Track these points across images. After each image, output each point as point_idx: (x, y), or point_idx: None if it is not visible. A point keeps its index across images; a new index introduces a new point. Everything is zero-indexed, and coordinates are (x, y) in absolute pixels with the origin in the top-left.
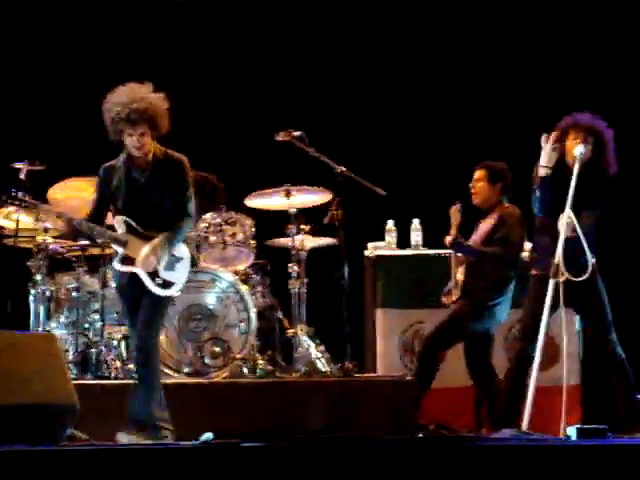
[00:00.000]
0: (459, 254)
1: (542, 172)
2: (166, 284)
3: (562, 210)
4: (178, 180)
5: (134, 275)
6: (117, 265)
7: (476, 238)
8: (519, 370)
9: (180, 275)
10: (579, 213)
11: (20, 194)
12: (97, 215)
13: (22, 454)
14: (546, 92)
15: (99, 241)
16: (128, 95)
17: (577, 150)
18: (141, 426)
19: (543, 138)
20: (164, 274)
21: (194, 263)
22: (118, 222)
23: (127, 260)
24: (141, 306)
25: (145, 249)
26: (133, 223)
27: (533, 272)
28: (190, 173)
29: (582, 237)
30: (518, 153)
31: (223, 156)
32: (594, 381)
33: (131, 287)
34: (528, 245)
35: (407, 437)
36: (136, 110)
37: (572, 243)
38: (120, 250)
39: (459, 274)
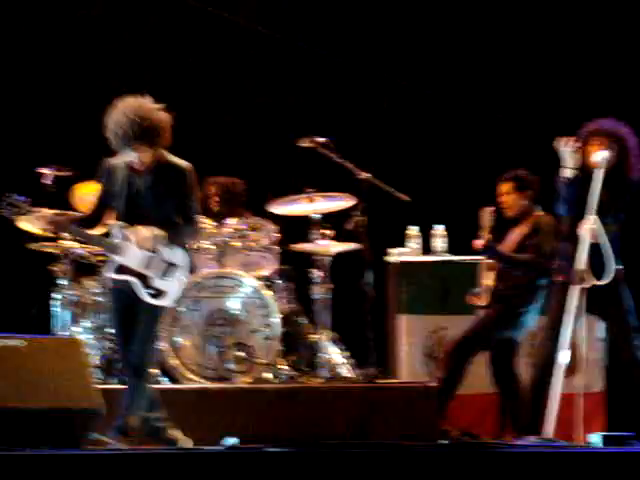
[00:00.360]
0: (489, 260)
1: (569, 173)
2: (158, 293)
3: (583, 216)
4: (178, 187)
5: (127, 284)
6: (110, 273)
7: (508, 245)
8: (542, 377)
9: (174, 285)
10: (603, 220)
11: (15, 198)
12: (97, 214)
13: (47, 458)
14: (568, 99)
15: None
16: (136, 111)
17: (599, 155)
18: (124, 432)
19: (561, 142)
20: (157, 282)
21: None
22: (114, 227)
23: (122, 268)
24: (137, 321)
25: (145, 230)
26: (129, 229)
27: (556, 279)
28: (194, 182)
29: (606, 243)
30: (541, 158)
31: (247, 163)
32: (618, 388)
33: (124, 296)
34: None
35: (431, 443)
36: (145, 127)
37: (596, 249)
38: (115, 257)
39: (489, 279)
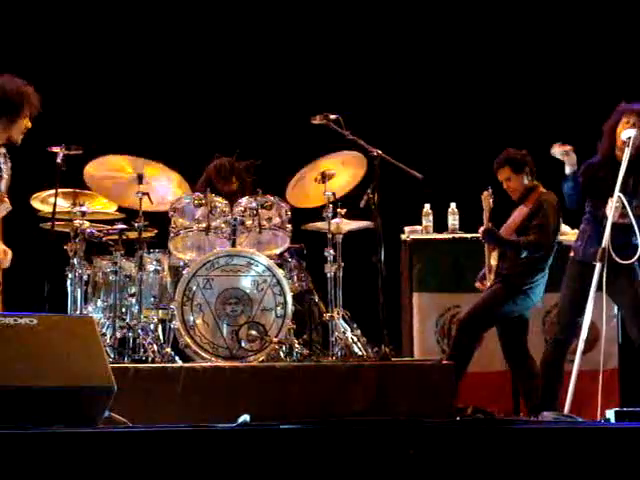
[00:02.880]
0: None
1: (567, 170)
2: None
3: (606, 198)
4: None
5: None
6: None
7: (511, 224)
8: (555, 353)
9: None
10: (630, 200)
11: None
12: None
13: (60, 436)
14: (578, 78)
15: None
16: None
17: (625, 134)
18: None
19: (553, 148)
20: None
21: None
22: None
23: None
24: None
25: None
26: None
27: (571, 255)
28: None
29: (634, 222)
30: (551, 134)
31: (258, 141)
32: (633, 365)
33: None
34: (565, 228)
35: (445, 420)
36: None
37: (621, 228)
38: None
39: (493, 259)
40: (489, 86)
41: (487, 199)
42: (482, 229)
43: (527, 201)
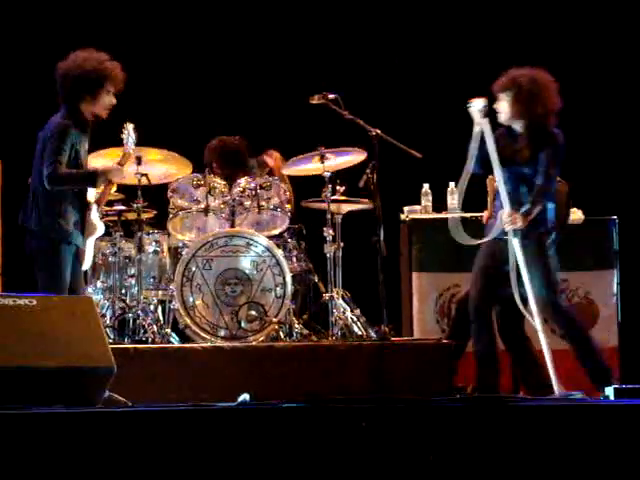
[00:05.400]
0: None
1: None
2: None
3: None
4: None
5: None
6: None
7: None
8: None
9: None
10: (518, 170)
11: None
12: None
13: (60, 416)
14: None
15: None
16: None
17: (473, 105)
18: None
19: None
20: None
21: None
22: None
23: None
24: None
25: None
26: None
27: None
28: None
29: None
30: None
31: (256, 121)
32: (632, 342)
33: None
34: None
35: (445, 398)
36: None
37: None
38: None
39: None
40: (489, 63)
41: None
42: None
43: None
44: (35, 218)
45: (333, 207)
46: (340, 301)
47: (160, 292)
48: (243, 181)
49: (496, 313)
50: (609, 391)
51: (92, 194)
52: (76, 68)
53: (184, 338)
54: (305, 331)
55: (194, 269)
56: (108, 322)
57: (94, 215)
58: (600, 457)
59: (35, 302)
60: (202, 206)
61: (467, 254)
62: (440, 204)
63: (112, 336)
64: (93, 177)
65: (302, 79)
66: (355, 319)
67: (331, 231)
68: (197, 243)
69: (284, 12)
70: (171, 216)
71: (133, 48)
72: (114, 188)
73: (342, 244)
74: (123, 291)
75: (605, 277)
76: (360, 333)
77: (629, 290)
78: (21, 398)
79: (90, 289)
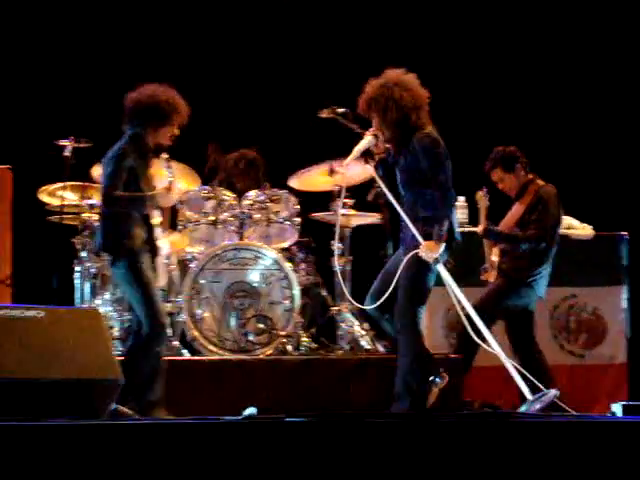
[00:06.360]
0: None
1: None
2: None
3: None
4: None
5: None
6: None
7: (510, 219)
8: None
9: None
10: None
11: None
12: None
13: (67, 428)
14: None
15: None
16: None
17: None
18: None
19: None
20: None
21: None
22: None
23: None
24: None
25: None
26: None
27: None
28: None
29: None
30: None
31: (266, 135)
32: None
33: None
34: (573, 222)
35: (453, 413)
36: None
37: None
38: None
39: (494, 255)
40: (479, 79)
41: (482, 199)
42: (480, 228)
43: (525, 195)
44: (104, 240)
45: (342, 220)
46: (348, 315)
47: (168, 305)
48: (252, 194)
49: (506, 327)
50: (616, 408)
51: (156, 216)
52: (147, 99)
53: (192, 350)
54: (313, 345)
55: (202, 282)
56: (116, 334)
57: (158, 235)
58: (607, 474)
59: (43, 314)
60: (211, 218)
61: (476, 269)
62: None
63: (120, 348)
64: (142, 201)
65: (312, 92)
66: (363, 333)
67: (340, 244)
68: (206, 255)
69: (293, 23)
70: (180, 228)
71: (144, 61)
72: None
73: (351, 258)
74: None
75: (614, 293)
76: (368, 347)
77: (638, 306)
78: (28, 410)
79: (98, 301)
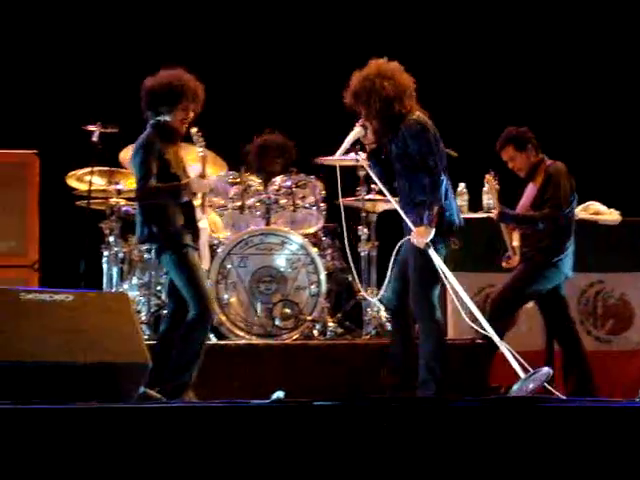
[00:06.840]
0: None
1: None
2: None
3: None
4: None
5: None
6: None
7: (525, 201)
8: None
9: None
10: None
11: None
12: None
13: (95, 411)
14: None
15: None
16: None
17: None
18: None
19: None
20: None
21: None
22: None
23: None
24: None
25: None
26: None
27: None
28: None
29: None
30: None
31: (293, 118)
32: None
33: None
34: (601, 207)
35: (480, 398)
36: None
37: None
38: None
39: (515, 240)
40: (486, 62)
41: (491, 182)
42: (495, 213)
43: (536, 176)
44: (147, 230)
45: (368, 205)
46: (374, 300)
47: None
48: (279, 179)
49: (540, 312)
50: None
51: (196, 198)
52: (157, 84)
53: (219, 335)
54: (339, 329)
55: (229, 266)
56: (144, 318)
57: (198, 217)
58: (634, 460)
59: (72, 298)
60: (238, 204)
61: (502, 254)
62: (476, 203)
63: (148, 332)
64: (178, 191)
65: (339, 77)
66: (389, 318)
67: (366, 230)
68: (232, 241)
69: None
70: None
71: (171, 46)
72: None
73: (377, 243)
74: (158, 288)
75: (636, 277)
76: None
77: None
78: (57, 393)
79: (126, 285)
